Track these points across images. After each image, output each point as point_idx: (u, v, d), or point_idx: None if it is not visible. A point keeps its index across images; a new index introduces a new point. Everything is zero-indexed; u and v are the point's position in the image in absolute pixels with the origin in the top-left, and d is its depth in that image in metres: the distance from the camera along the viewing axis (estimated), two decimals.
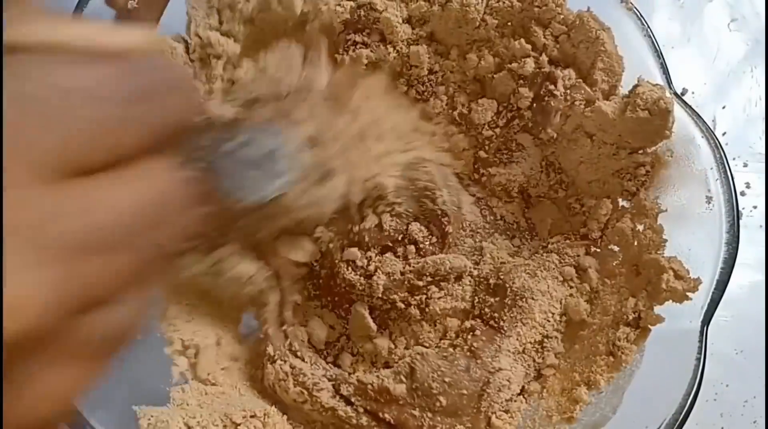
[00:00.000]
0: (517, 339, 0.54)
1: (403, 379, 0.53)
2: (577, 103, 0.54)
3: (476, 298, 0.57)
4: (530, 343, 0.55)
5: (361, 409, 0.54)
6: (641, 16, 0.53)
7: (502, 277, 0.56)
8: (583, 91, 0.54)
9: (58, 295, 0.24)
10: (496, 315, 0.55)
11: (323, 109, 0.50)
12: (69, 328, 0.26)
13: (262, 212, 0.41)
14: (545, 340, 0.56)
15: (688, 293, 0.49)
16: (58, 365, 0.26)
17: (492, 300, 0.56)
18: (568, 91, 0.54)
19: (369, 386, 0.53)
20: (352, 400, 0.54)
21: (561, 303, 0.56)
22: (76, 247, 0.25)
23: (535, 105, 0.56)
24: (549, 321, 0.55)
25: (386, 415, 0.53)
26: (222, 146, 0.36)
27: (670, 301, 0.50)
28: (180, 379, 0.53)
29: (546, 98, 0.55)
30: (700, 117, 0.52)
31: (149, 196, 0.28)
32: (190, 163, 0.32)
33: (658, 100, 0.49)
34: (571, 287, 0.56)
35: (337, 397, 0.54)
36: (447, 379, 0.52)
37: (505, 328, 0.55)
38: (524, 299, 0.55)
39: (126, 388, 0.49)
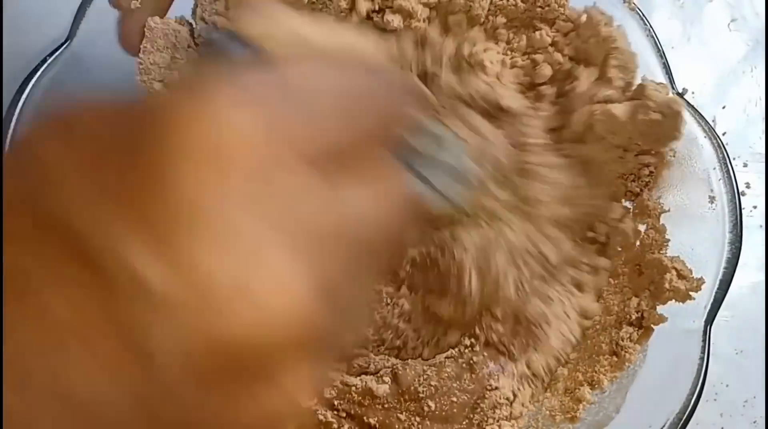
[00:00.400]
0: (528, 365, 0.54)
1: (387, 381, 0.52)
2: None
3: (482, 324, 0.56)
4: (543, 367, 0.55)
5: (344, 414, 0.52)
6: (643, 15, 0.53)
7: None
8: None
9: (326, 297, 0.23)
10: (505, 340, 0.54)
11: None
12: (327, 334, 0.25)
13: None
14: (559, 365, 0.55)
15: (691, 293, 0.50)
16: (302, 366, 0.24)
17: (500, 328, 0.55)
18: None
19: (353, 388, 0.52)
20: (335, 403, 0.52)
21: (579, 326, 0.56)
22: (350, 248, 0.25)
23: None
24: (566, 346, 0.55)
25: (371, 420, 0.52)
26: (417, 144, 0.36)
27: (673, 300, 0.50)
28: None
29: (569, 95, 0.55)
30: (702, 117, 0.52)
31: (398, 197, 0.28)
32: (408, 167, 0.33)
33: (670, 101, 0.49)
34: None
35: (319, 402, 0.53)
36: (433, 383, 0.52)
37: (515, 354, 0.54)
38: (538, 326, 0.54)
39: None
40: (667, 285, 0.50)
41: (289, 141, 0.24)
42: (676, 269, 0.50)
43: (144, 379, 0.21)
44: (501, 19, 0.55)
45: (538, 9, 0.54)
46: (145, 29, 0.51)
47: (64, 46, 0.51)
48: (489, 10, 0.55)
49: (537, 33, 0.54)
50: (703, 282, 0.49)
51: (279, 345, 0.22)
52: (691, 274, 0.50)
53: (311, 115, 0.25)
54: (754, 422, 0.66)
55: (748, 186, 0.68)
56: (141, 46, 0.51)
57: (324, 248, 0.24)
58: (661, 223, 0.53)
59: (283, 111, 0.24)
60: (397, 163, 0.29)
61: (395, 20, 0.54)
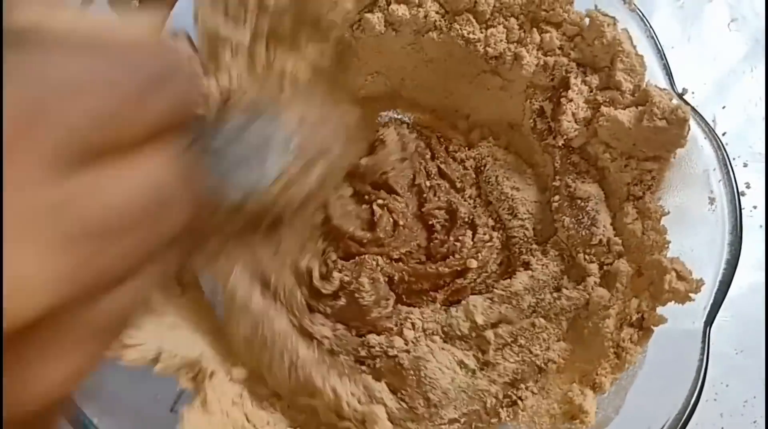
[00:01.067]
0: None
1: None
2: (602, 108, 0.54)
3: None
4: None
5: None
6: (644, 16, 0.53)
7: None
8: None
9: (69, 278, 0.24)
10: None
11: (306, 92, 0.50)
12: (75, 313, 0.26)
13: (244, 208, 0.40)
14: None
15: (690, 294, 0.49)
16: (61, 351, 0.26)
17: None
18: (592, 93, 0.55)
19: None
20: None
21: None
22: (87, 231, 0.25)
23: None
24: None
25: None
26: (215, 135, 0.35)
27: (673, 301, 0.50)
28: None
29: (561, 103, 0.55)
30: (702, 118, 0.52)
31: (157, 180, 0.28)
32: (192, 149, 0.31)
33: (676, 109, 0.49)
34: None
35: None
36: None
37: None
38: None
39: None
40: (666, 286, 0.50)
41: (35, 142, 0.24)
42: (675, 270, 0.50)
43: None
44: (509, 19, 0.55)
45: (543, 12, 0.54)
46: None
47: None
48: (494, 6, 0.55)
49: (546, 35, 0.54)
50: (703, 283, 0.49)
51: (27, 330, 0.24)
52: (691, 275, 0.50)
53: (67, 110, 0.25)
54: (754, 422, 0.66)
55: (748, 186, 0.68)
56: None
57: (76, 235, 0.25)
58: (661, 224, 0.53)
59: (30, 109, 0.24)
60: (175, 144, 0.29)
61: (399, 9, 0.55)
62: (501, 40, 0.55)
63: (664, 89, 0.52)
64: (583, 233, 0.55)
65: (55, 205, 0.24)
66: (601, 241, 0.54)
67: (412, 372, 0.54)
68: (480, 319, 0.55)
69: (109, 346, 0.29)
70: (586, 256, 0.55)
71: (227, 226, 0.42)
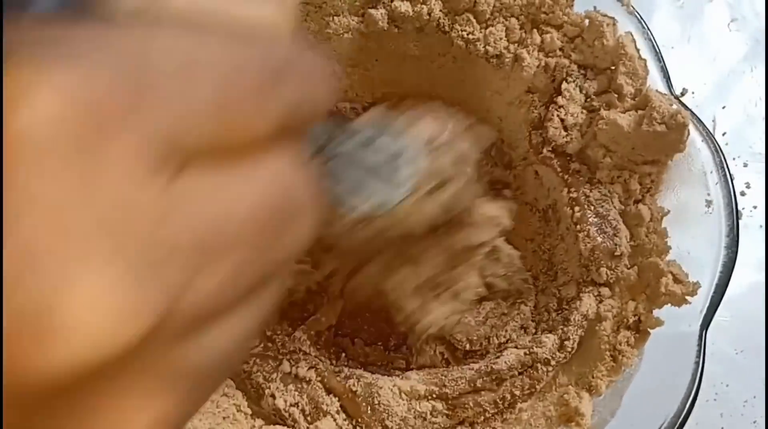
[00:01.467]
0: None
1: None
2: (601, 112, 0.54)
3: None
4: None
5: None
6: (641, 18, 0.53)
7: None
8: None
9: (161, 305, 0.19)
10: None
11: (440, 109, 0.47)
12: (167, 348, 0.21)
13: (369, 226, 0.37)
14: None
15: (686, 297, 0.50)
16: (144, 395, 0.21)
17: None
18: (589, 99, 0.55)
19: None
20: None
21: None
22: (195, 245, 0.20)
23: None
24: None
25: None
26: (342, 144, 0.32)
27: (669, 304, 0.51)
28: None
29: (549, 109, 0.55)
30: (700, 121, 0.52)
31: (282, 185, 0.23)
32: (319, 155, 0.29)
33: (676, 114, 0.49)
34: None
35: None
36: None
37: None
38: None
39: None
40: (663, 289, 0.50)
41: (113, 121, 0.19)
42: (672, 273, 0.50)
43: None
44: (510, 19, 0.55)
45: (542, 15, 0.54)
46: None
47: None
48: (494, 6, 0.55)
49: (547, 36, 0.55)
50: (699, 286, 0.49)
51: (97, 374, 0.19)
52: (687, 278, 0.50)
53: (180, 99, 0.20)
54: (754, 422, 0.66)
55: (748, 186, 0.68)
56: None
57: (155, 251, 0.19)
58: (663, 227, 0.53)
59: (116, 85, 0.19)
60: (297, 151, 0.25)
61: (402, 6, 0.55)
62: (501, 39, 0.55)
63: (665, 94, 0.52)
64: (608, 244, 0.54)
65: (157, 213, 0.19)
66: (623, 252, 0.54)
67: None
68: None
69: (206, 394, 0.24)
70: (608, 272, 0.54)
71: (349, 243, 0.39)
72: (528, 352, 0.53)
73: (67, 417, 0.20)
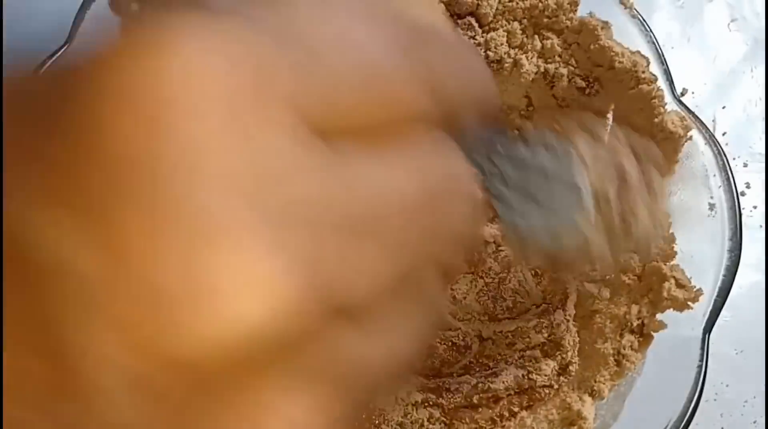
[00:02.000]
0: None
1: None
2: None
3: None
4: None
5: None
6: (644, 21, 0.53)
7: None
8: None
9: (323, 282, 0.17)
10: None
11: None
12: (316, 337, 0.18)
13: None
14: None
15: (689, 302, 0.50)
16: (293, 388, 0.18)
17: None
18: None
19: None
20: None
21: None
22: (347, 227, 0.18)
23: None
24: None
25: None
26: (509, 157, 0.28)
27: (672, 309, 0.51)
28: None
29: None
30: (703, 124, 0.51)
31: (439, 174, 0.21)
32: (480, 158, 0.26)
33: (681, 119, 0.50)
34: None
35: None
36: None
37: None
38: None
39: None
40: (665, 294, 0.50)
41: (285, 95, 0.18)
42: (675, 278, 0.50)
43: (78, 412, 0.16)
44: (512, 23, 0.55)
45: (545, 19, 0.54)
46: None
47: (63, 48, 0.51)
48: (497, 9, 0.55)
49: (548, 41, 0.54)
50: (701, 293, 0.49)
51: (252, 357, 0.17)
52: (690, 283, 0.50)
53: (321, 71, 0.19)
54: (754, 422, 0.66)
55: (748, 186, 0.68)
56: None
57: (325, 235, 0.18)
58: (670, 232, 0.52)
59: (274, 58, 0.18)
60: (456, 149, 0.22)
61: None
62: (502, 44, 0.55)
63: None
64: None
65: (321, 181, 0.18)
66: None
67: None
68: None
69: (356, 400, 0.20)
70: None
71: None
72: (526, 376, 0.53)
73: (208, 405, 0.17)
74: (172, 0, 0.18)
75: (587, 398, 0.52)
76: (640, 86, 0.52)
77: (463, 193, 0.22)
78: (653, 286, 0.51)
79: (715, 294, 0.49)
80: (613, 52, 0.52)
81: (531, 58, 0.55)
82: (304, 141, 0.18)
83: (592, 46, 0.53)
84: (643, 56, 0.52)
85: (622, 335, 0.52)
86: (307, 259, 0.17)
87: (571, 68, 0.55)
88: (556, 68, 0.55)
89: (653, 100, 0.52)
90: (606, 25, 0.53)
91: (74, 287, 0.16)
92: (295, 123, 0.18)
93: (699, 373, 0.48)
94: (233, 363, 0.17)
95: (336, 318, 0.18)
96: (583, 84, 0.54)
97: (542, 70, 0.55)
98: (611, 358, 0.52)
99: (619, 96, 0.53)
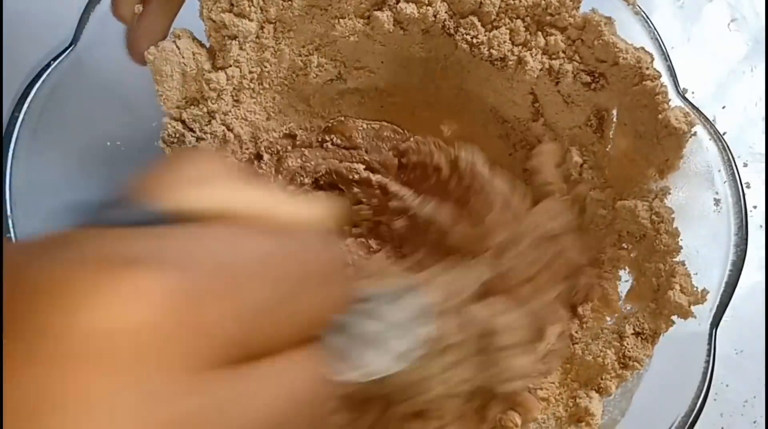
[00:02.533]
0: None
1: None
2: None
3: None
4: None
5: None
6: (647, 18, 0.53)
7: None
8: None
9: None
10: None
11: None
12: None
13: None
14: None
15: (692, 309, 0.50)
16: None
17: None
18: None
19: None
20: None
21: None
22: None
23: None
24: None
25: None
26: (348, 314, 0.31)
27: (676, 316, 0.51)
28: None
29: None
30: (707, 119, 0.52)
31: (301, 390, 0.25)
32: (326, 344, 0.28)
33: (687, 115, 0.50)
34: None
35: None
36: None
37: None
38: None
39: None
40: (670, 300, 0.50)
41: (183, 332, 0.21)
42: (680, 285, 0.50)
43: None
44: (516, 21, 0.55)
45: (548, 17, 0.54)
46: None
47: (69, 50, 0.51)
48: (500, 7, 0.55)
49: (551, 38, 0.54)
50: (706, 296, 0.49)
51: None
52: (695, 289, 0.50)
53: (227, 304, 0.22)
54: (754, 422, 0.66)
55: (748, 186, 0.68)
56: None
57: None
58: (674, 226, 0.52)
59: (192, 289, 0.21)
60: (316, 349, 0.26)
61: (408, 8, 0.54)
62: (505, 42, 0.55)
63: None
64: None
65: (191, 418, 0.21)
66: None
67: None
68: None
69: None
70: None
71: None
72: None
73: None
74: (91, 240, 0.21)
75: (594, 395, 0.52)
76: (644, 83, 0.52)
77: (321, 400, 0.26)
78: (655, 287, 0.52)
79: (722, 289, 0.49)
80: (617, 48, 0.52)
81: (535, 55, 0.55)
82: (198, 375, 0.21)
83: (595, 42, 0.53)
84: (647, 52, 0.52)
85: (627, 335, 0.52)
86: None
87: (576, 64, 0.55)
88: (561, 64, 0.55)
89: (657, 97, 0.52)
90: (609, 20, 0.53)
91: None
92: (193, 359, 0.21)
93: (707, 368, 0.48)
94: None
95: None
96: (589, 79, 0.54)
97: (547, 66, 0.55)
98: (617, 363, 0.52)
99: (623, 92, 0.53)
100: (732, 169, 0.51)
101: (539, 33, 0.55)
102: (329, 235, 0.28)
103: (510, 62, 0.56)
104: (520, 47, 0.56)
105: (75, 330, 0.19)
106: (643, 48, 0.53)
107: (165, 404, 0.20)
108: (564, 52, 0.55)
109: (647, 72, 0.52)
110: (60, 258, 0.21)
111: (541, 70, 0.56)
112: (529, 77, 0.56)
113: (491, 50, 0.56)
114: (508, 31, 0.55)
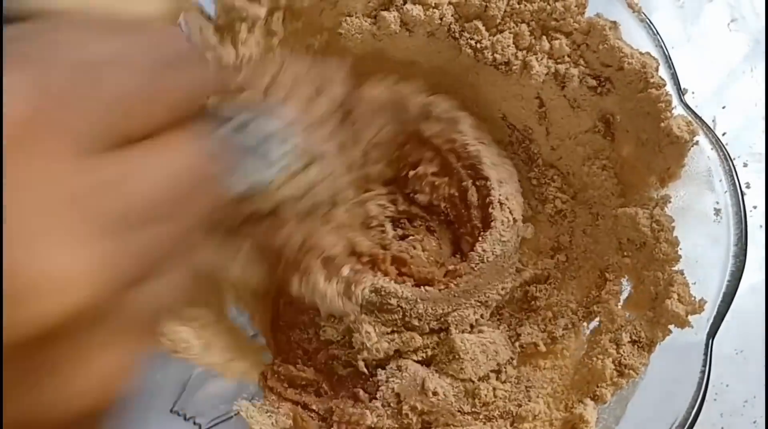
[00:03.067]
0: None
1: None
2: None
3: None
4: None
5: None
6: (652, 24, 0.53)
7: None
8: None
9: (109, 268, 0.23)
10: None
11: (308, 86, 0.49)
12: (117, 304, 0.25)
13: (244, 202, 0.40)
14: None
15: (690, 318, 0.50)
16: (105, 344, 0.25)
17: None
18: None
19: None
20: None
21: None
22: (120, 219, 0.24)
23: None
24: None
25: None
26: (221, 127, 0.35)
27: (673, 325, 0.51)
28: None
29: None
30: (710, 128, 0.51)
31: (183, 165, 0.27)
32: (207, 137, 0.31)
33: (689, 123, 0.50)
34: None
35: None
36: None
37: None
38: None
39: None
40: (667, 309, 0.50)
41: (63, 126, 0.23)
42: (678, 294, 0.50)
43: None
44: (520, 25, 0.55)
45: (553, 22, 0.54)
46: None
47: None
48: (505, 11, 0.54)
49: (556, 42, 0.54)
50: (705, 302, 0.49)
51: (65, 327, 0.23)
52: (693, 298, 0.50)
53: (93, 94, 0.24)
54: (754, 422, 0.66)
55: (748, 186, 0.68)
56: None
57: (110, 223, 0.24)
58: (674, 235, 0.52)
59: (55, 94, 0.24)
60: (195, 132, 0.29)
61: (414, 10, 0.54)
62: (509, 46, 0.55)
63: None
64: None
65: (85, 194, 0.23)
66: None
67: None
68: None
69: (147, 342, 0.28)
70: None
71: (228, 220, 0.42)
72: None
73: (46, 365, 0.23)
74: None
75: (589, 402, 0.52)
76: (649, 90, 0.52)
77: (201, 178, 0.28)
78: (653, 295, 0.52)
79: (720, 299, 0.49)
80: (623, 53, 0.51)
81: (541, 59, 0.55)
82: (73, 160, 0.23)
83: (600, 47, 0.52)
84: (653, 57, 0.52)
85: (624, 344, 0.52)
86: (108, 246, 0.24)
87: (582, 68, 0.54)
88: (567, 69, 0.54)
89: (660, 104, 0.51)
90: (614, 25, 0.52)
91: None
92: (68, 144, 0.23)
93: (702, 378, 0.48)
94: (52, 339, 0.23)
95: (132, 282, 0.25)
96: (595, 83, 0.54)
97: (553, 70, 0.55)
98: (615, 371, 0.52)
99: (628, 97, 0.53)
100: (732, 178, 0.50)
101: (544, 37, 0.55)
102: (175, 27, 0.32)
103: (514, 66, 0.56)
104: (525, 51, 0.55)
105: None
106: (648, 53, 0.52)
107: (57, 184, 0.23)
108: (569, 56, 0.54)
109: (652, 80, 0.52)
110: None
111: (546, 74, 0.55)
112: (535, 81, 0.55)
113: (495, 55, 0.55)
114: (512, 36, 0.55)
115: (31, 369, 0.23)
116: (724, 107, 0.72)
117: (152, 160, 0.26)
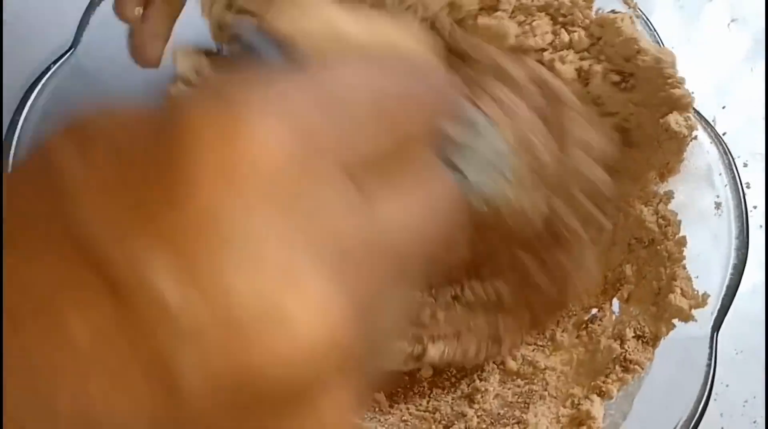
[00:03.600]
0: None
1: None
2: None
3: None
4: None
5: None
6: (648, 20, 0.53)
7: None
8: None
9: (357, 311, 0.21)
10: None
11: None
12: (359, 361, 0.22)
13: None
14: None
15: (693, 312, 0.50)
16: (339, 404, 0.22)
17: None
18: None
19: None
20: None
21: None
22: (392, 260, 0.22)
23: None
24: None
25: None
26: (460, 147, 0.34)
27: (677, 319, 0.51)
28: None
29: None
30: (708, 123, 0.52)
31: (444, 196, 0.26)
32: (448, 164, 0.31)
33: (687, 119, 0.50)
34: None
35: None
36: None
37: None
38: None
39: None
40: (670, 303, 0.50)
41: (322, 150, 0.21)
42: (681, 289, 0.50)
43: (170, 409, 0.19)
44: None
45: (561, 17, 0.54)
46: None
47: (68, 53, 0.51)
48: (515, 6, 0.54)
49: (575, 34, 0.54)
50: (708, 296, 0.49)
51: (316, 372, 0.20)
52: (697, 292, 0.50)
53: (350, 123, 0.23)
54: (754, 422, 0.66)
55: (748, 186, 0.68)
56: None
57: (362, 266, 0.21)
58: (681, 234, 0.52)
59: (317, 120, 0.22)
60: (440, 164, 0.27)
61: None
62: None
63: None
64: None
65: (368, 234, 0.22)
66: None
67: None
68: None
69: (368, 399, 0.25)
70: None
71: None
72: None
73: (276, 419, 0.20)
74: (235, 76, 0.22)
75: (596, 398, 0.52)
76: (672, 90, 0.52)
77: (458, 210, 0.26)
78: (656, 291, 0.52)
79: (723, 292, 0.49)
80: (638, 45, 0.51)
81: (566, 57, 0.54)
82: (338, 186, 0.21)
83: (616, 40, 0.52)
84: (670, 52, 0.52)
85: (629, 339, 0.52)
86: (355, 289, 0.21)
87: (605, 64, 0.54)
88: (591, 65, 0.54)
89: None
90: (626, 17, 0.52)
91: (165, 317, 0.19)
92: (329, 170, 0.21)
93: (708, 371, 0.48)
94: (293, 378, 0.20)
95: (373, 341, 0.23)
96: (618, 78, 0.54)
97: (576, 67, 0.54)
98: (618, 366, 0.52)
99: (651, 94, 0.53)
100: (732, 172, 0.51)
101: (563, 30, 0.54)
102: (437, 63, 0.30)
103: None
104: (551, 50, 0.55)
105: (241, 160, 0.20)
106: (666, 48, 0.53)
107: (345, 218, 0.21)
108: (588, 51, 0.54)
109: (670, 80, 0.52)
110: (202, 104, 0.21)
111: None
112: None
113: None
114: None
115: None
116: (724, 107, 0.72)
117: (416, 192, 0.24)
